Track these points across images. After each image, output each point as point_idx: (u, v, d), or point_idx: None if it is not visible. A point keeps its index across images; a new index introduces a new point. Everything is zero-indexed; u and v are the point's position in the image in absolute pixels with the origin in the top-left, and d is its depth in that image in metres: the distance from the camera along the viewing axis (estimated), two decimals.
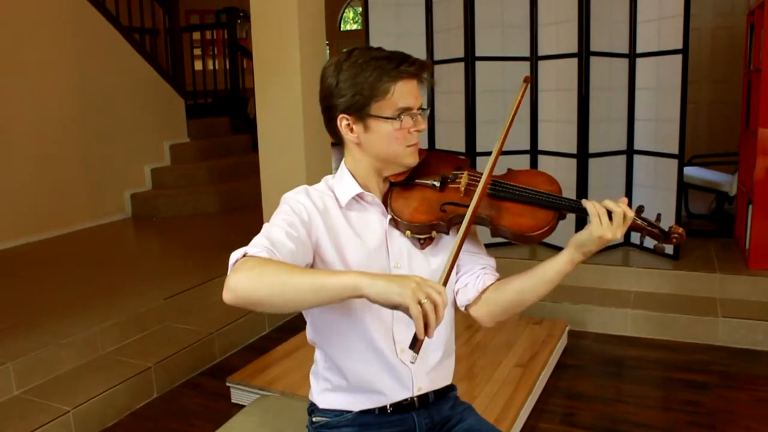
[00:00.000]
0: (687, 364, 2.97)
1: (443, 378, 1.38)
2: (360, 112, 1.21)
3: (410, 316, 0.97)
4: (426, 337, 0.99)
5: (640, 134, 3.81)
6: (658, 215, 1.29)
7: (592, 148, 3.70)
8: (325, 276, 1.03)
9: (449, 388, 1.40)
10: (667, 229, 1.25)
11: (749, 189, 3.68)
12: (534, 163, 3.96)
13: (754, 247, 3.50)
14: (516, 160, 3.90)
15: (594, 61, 3.62)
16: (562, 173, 3.73)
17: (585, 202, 1.22)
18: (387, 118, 1.20)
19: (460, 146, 3.99)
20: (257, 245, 1.11)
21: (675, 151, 3.56)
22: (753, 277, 3.38)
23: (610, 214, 1.19)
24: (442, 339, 1.35)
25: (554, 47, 3.76)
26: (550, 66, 3.81)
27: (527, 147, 3.96)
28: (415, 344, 1.01)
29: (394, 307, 0.99)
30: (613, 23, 3.70)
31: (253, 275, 1.03)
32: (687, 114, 3.53)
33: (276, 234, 1.16)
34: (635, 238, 1.26)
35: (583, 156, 3.69)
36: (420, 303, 0.96)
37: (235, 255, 1.09)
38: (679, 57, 3.47)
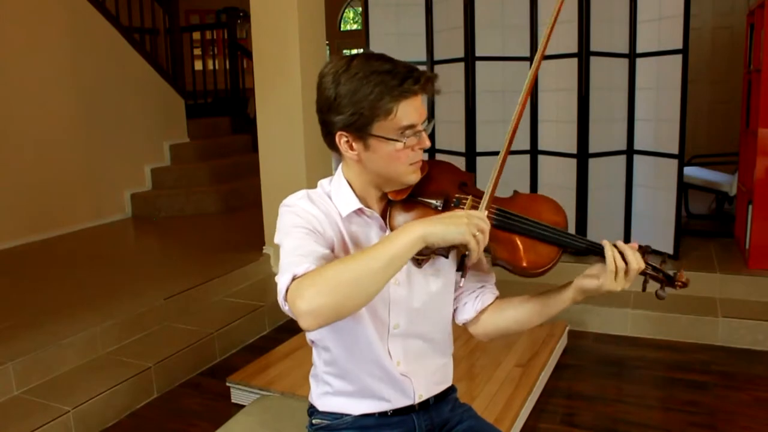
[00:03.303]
0: (687, 364, 2.97)
1: (443, 381, 1.37)
2: (360, 131, 1.14)
3: (467, 250, 1.07)
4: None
5: (640, 134, 3.81)
6: (664, 258, 1.25)
7: (592, 148, 3.70)
8: (388, 246, 1.03)
9: (449, 390, 1.40)
10: (671, 275, 1.22)
11: (749, 189, 3.68)
12: (534, 163, 3.96)
13: (754, 247, 3.50)
14: (516, 160, 3.90)
15: (594, 61, 3.62)
16: (562, 173, 3.73)
17: (606, 250, 1.16)
18: (390, 139, 1.14)
19: (460, 146, 3.98)
20: (297, 263, 1.06)
21: (675, 151, 3.56)
22: (753, 277, 3.38)
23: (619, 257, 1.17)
24: (443, 347, 1.35)
25: (554, 47, 3.76)
26: (550, 66, 3.81)
27: (527, 147, 3.96)
28: (463, 268, 1.13)
29: (453, 245, 1.07)
30: (613, 23, 3.70)
31: (322, 288, 0.99)
32: (687, 114, 3.53)
33: (306, 245, 1.11)
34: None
35: (583, 156, 3.69)
36: (474, 236, 1.05)
37: (284, 282, 1.04)
38: (679, 57, 3.47)
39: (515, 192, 1.30)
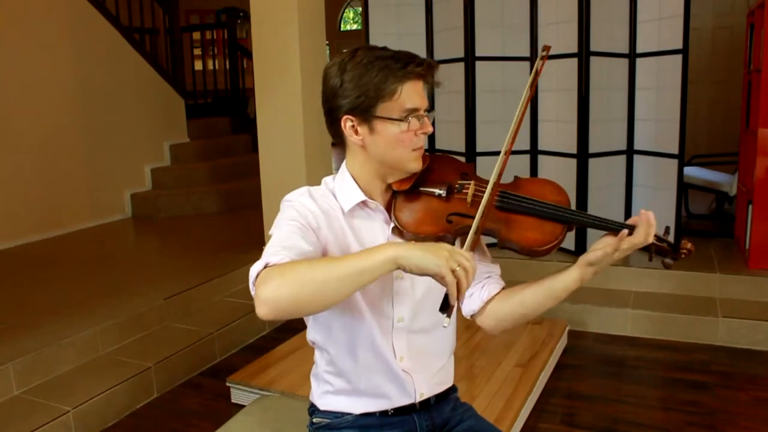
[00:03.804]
0: (687, 364, 2.97)
1: (444, 381, 1.37)
2: (365, 113, 1.17)
3: (443, 284, 1.01)
4: (457, 302, 1.02)
5: (640, 134, 3.81)
6: (667, 228, 1.26)
7: (592, 148, 3.70)
8: (360, 258, 1.02)
9: (450, 390, 1.40)
10: (675, 243, 1.23)
11: (749, 189, 3.68)
12: (534, 163, 3.96)
13: (754, 247, 3.50)
14: (516, 160, 3.90)
15: (594, 61, 3.62)
16: (562, 173, 3.73)
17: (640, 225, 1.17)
18: (394, 119, 1.17)
19: (460, 146, 3.99)
20: (275, 253, 1.06)
21: (675, 151, 3.56)
22: (753, 277, 3.38)
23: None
24: (445, 345, 1.35)
25: (554, 47, 3.75)
26: (550, 66, 3.80)
27: (527, 147, 3.96)
28: (447, 308, 1.04)
29: (428, 275, 1.01)
30: (613, 23, 3.70)
31: (288, 280, 0.99)
32: (687, 114, 3.53)
33: (291, 238, 1.12)
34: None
35: (583, 156, 3.69)
36: (453, 271, 1.00)
37: (256, 268, 1.05)
38: (679, 57, 3.47)
39: (516, 177, 1.32)
